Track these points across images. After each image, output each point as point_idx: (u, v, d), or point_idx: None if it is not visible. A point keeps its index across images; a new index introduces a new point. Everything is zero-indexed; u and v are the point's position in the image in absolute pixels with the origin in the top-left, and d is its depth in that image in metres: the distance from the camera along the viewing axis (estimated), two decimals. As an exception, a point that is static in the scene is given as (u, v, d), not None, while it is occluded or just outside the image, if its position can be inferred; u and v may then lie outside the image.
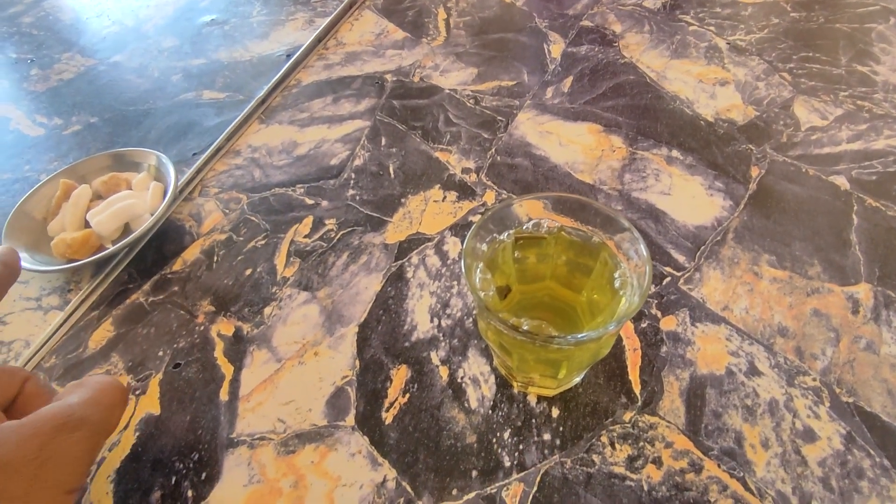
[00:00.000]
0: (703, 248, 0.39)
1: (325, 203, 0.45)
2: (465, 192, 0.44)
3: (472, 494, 0.28)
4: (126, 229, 0.43)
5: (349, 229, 0.42)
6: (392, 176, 0.46)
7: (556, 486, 0.28)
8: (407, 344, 0.35)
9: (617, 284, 0.28)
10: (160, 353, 0.36)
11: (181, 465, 0.30)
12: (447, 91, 0.55)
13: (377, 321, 0.36)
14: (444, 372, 0.33)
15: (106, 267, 0.42)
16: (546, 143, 0.48)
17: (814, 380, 0.32)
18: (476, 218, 0.42)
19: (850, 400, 0.31)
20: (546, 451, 0.29)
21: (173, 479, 0.30)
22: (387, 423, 0.31)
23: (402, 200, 0.44)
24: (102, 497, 0.29)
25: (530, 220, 0.31)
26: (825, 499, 0.27)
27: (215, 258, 0.42)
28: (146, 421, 0.32)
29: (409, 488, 0.28)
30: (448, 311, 0.36)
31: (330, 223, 0.43)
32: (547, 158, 0.46)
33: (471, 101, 0.53)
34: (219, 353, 0.36)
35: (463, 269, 0.26)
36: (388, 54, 0.61)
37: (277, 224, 0.43)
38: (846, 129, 0.47)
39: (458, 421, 0.31)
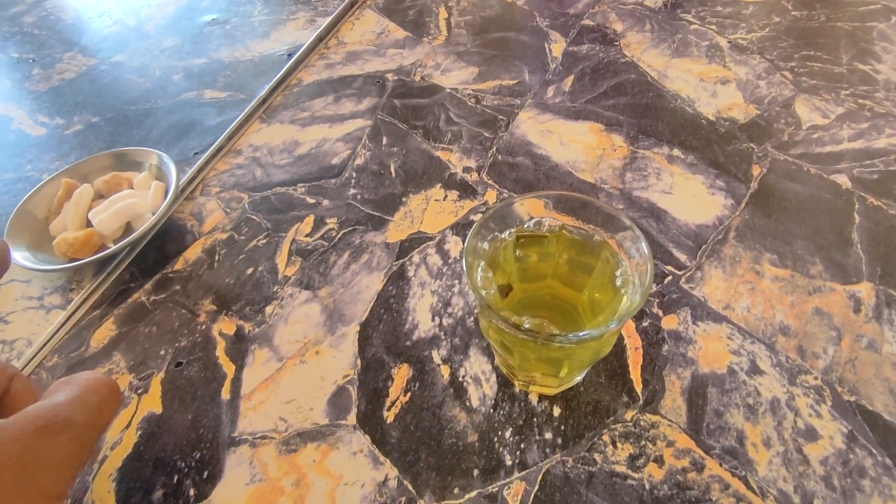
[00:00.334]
0: (704, 246, 0.39)
1: (326, 202, 0.45)
2: (467, 191, 0.44)
3: (474, 493, 0.28)
4: (128, 228, 0.43)
5: (350, 228, 0.42)
6: (393, 175, 0.46)
7: (558, 485, 0.28)
8: (408, 343, 0.35)
9: (618, 283, 0.28)
10: (162, 352, 0.36)
11: (183, 464, 0.30)
12: (448, 90, 0.55)
13: (378, 320, 0.36)
14: (445, 371, 0.33)
15: (108, 266, 0.42)
16: (547, 142, 0.48)
17: (815, 379, 0.32)
18: (477, 217, 0.42)
19: (852, 399, 0.31)
20: (547, 450, 0.29)
21: (175, 477, 0.30)
22: (388, 421, 0.31)
23: (404, 199, 0.44)
24: (104, 496, 0.29)
25: (531, 218, 0.31)
26: (827, 498, 0.27)
27: (217, 257, 0.42)
28: (148, 420, 0.32)
29: (410, 487, 0.28)
30: (449, 310, 0.36)
31: (331, 222, 0.43)
32: (548, 157, 0.46)
33: (472, 100, 0.53)
34: (220, 351, 0.36)
35: (464, 268, 0.26)
36: (389, 53, 0.61)
37: (279, 223, 0.43)
38: (847, 127, 0.47)
39: (459, 420, 0.31)
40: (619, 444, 0.29)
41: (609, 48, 0.58)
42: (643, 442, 0.29)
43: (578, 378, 0.32)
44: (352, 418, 0.31)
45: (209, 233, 0.44)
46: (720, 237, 0.39)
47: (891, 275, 0.36)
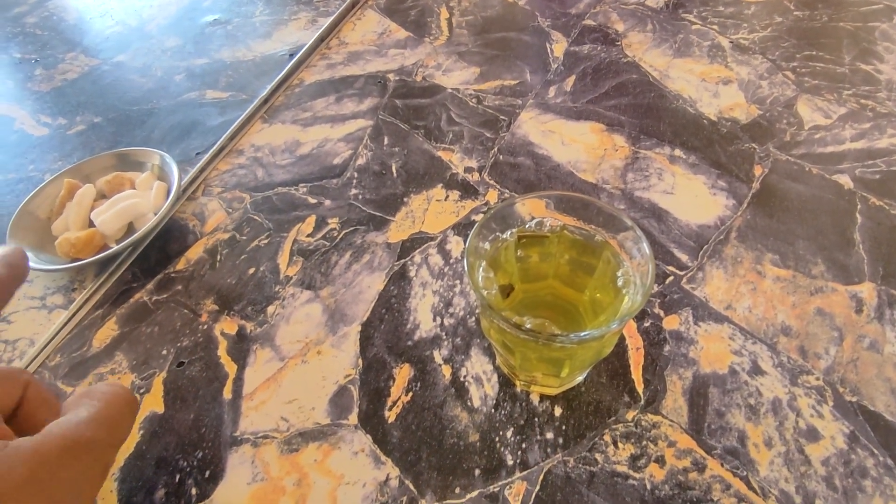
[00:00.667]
0: (706, 247, 0.39)
1: (327, 202, 0.45)
2: (468, 191, 0.44)
3: (475, 493, 0.28)
4: (130, 228, 0.44)
5: (352, 228, 0.42)
6: (395, 175, 0.46)
7: (559, 485, 0.28)
8: (410, 343, 0.35)
9: (620, 283, 0.28)
10: (164, 352, 0.36)
11: (185, 464, 0.30)
12: (449, 90, 0.55)
13: (380, 320, 0.36)
14: (446, 371, 0.33)
15: (110, 266, 0.42)
16: (548, 143, 0.48)
17: (817, 379, 0.32)
18: (478, 217, 0.42)
19: (854, 399, 0.31)
20: (549, 450, 0.29)
21: (177, 477, 0.30)
22: (389, 421, 0.31)
23: (405, 200, 0.44)
24: (107, 495, 0.29)
25: (533, 218, 0.31)
26: (829, 498, 0.27)
27: (219, 257, 0.42)
28: (150, 419, 0.33)
29: (412, 486, 0.28)
30: (451, 310, 0.36)
31: (333, 222, 0.43)
32: (549, 158, 0.46)
33: (473, 100, 0.53)
34: (222, 351, 0.36)
35: (466, 268, 0.26)
36: (390, 54, 0.61)
37: (280, 223, 0.44)
38: (850, 127, 0.47)
39: (460, 420, 0.31)
40: (620, 444, 0.29)
41: (610, 48, 0.58)
42: (644, 442, 0.29)
43: (580, 378, 0.32)
44: (353, 418, 0.31)
45: (211, 233, 0.44)
46: (722, 237, 0.39)
47: (893, 275, 0.36)
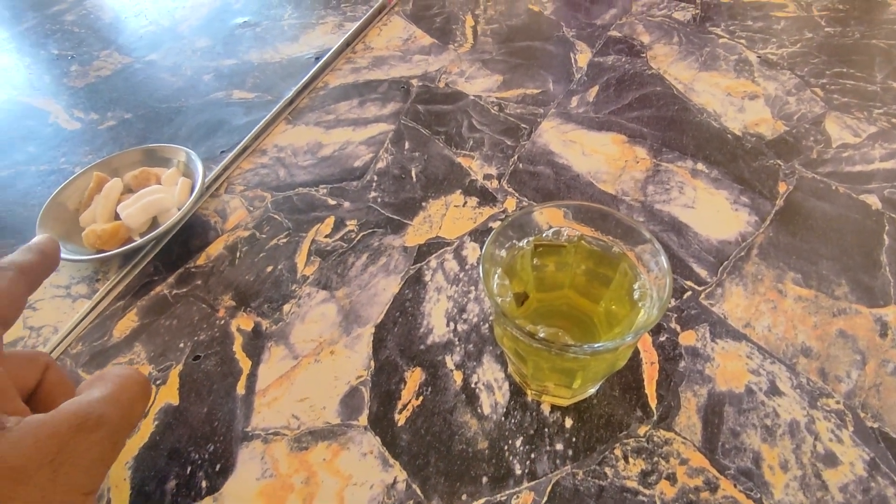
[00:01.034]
0: (726, 263, 0.38)
1: (347, 204, 0.45)
2: (486, 198, 0.44)
3: (482, 501, 0.28)
4: (154, 223, 0.45)
5: (370, 231, 0.43)
6: (414, 180, 0.47)
7: (567, 498, 0.28)
8: (422, 347, 0.35)
9: (636, 296, 0.28)
10: (181, 345, 0.37)
11: (197, 456, 0.31)
12: (472, 97, 0.55)
13: (394, 323, 0.36)
14: (458, 376, 0.33)
15: (133, 258, 0.43)
16: (569, 152, 0.48)
17: (837, 402, 0.31)
18: (496, 224, 0.42)
19: (876, 425, 0.30)
20: (558, 462, 0.29)
21: (188, 469, 0.30)
22: (399, 424, 0.31)
23: (423, 204, 0.44)
24: (120, 483, 0.30)
25: (550, 228, 0.31)
26: (845, 526, 0.27)
27: (238, 254, 0.42)
28: (165, 410, 0.33)
29: (419, 491, 0.28)
30: (464, 316, 0.36)
31: (351, 224, 0.43)
32: (569, 167, 0.46)
33: (495, 107, 0.53)
34: (238, 347, 0.36)
35: (481, 274, 0.26)
36: (414, 59, 0.62)
37: (300, 223, 0.44)
38: (879, 147, 0.46)
39: (470, 426, 0.31)
40: (631, 459, 0.29)
41: (635, 60, 0.57)
42: (656, 458, 0.29)
43: (592, 390, 0.31)
44: (363, 419, 0.31)
45: (232, 230, 0.44)
46: (742, 254, 0.39)
47: (920, 299, 0.35)
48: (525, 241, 0.30)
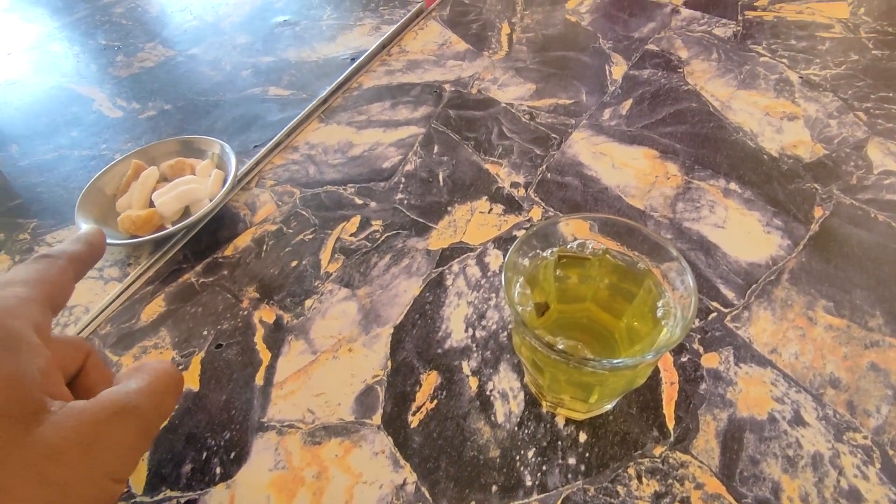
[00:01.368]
0: (754, 286, 0.37)
1: (373, 204, 0.46)
2: (512, 206, 0.44)
3: (490, 509, 0.28)
4: (186, 212, 0.46)
5: (394, 232, 0.43)
6: (441, 184, 0.47)
7: (577, 513, 0.27)
8: (440, 350, 0.35)
9: (659, 314, 0.28)
10: (204, 333, 0.38)
11: (213, 443, 0.31)
12: (503, 105, 0.55)
13: (412, 325, 0.36)
14: (473, 383, 0.33)
15: (164, 245, 0.44)
16: (599, 165, 0.47)
17: (865, 438, 0.30)
18: (520, 233, 0.42)
19: (905, 464, 0.29)
20: (569, 476, 0.29)
21: (204, 454, 0.31)
22: (412, 426, 0.31)
23: (449, 209, 0.45)
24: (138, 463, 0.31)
25: (576, 240, 0.30)
26: (867, 567, 0.26)
27: (264, 247, 0.43)
28: (185, 396, 0.34)
29: (427, 494, 0.28)
30: (483, 323, 0.36)
31: (376, 224, 0.44)
32: (598, 180, 0.46)
33: (526, 116, 0.53)
34: (259, 338, 0.37)
35: (503, 282, 0.26)
36: (448, 65, 0.62)
37: (326, 220, 0.45)
38: (924, 176, 0.44)
39: (483, 433, 0.31)
40: (644, 480, 0.28)
41: (671, 75, 0.57)
42: (670, 481, 0.28)
43: (608, 406, 0.31)
44: (377, 418, 0.32)
45: (260, 223, 0.45)
46: (772, 278, 0.38)
47: (960, 337, 0.34)
48: (549, 251, 0.30)
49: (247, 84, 0.63)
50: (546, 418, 0.31)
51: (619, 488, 0.28)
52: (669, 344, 0.25)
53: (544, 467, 0.29)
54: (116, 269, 0.43)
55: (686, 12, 0.66)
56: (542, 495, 0.28)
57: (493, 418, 0.31)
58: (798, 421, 0.30)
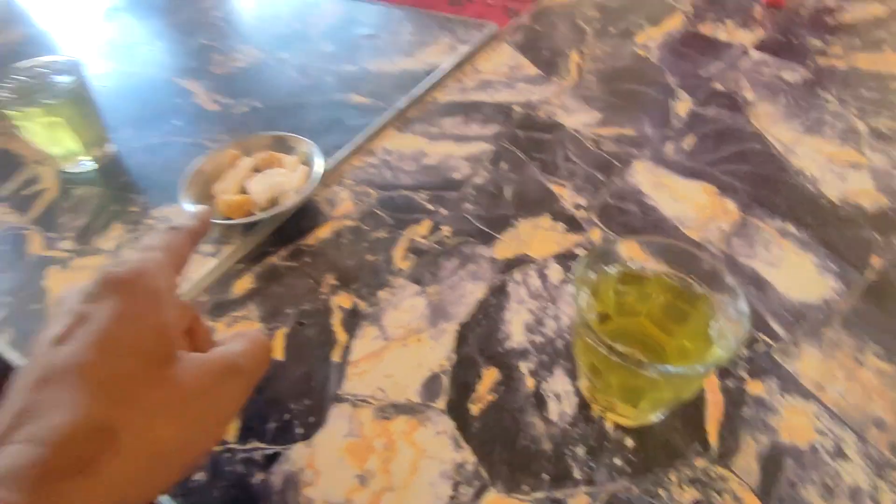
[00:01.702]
0: (804, 323, 0.39)
1: (443, 211, 0.49)
2: (573, 225, 0.47)
3: (542, 495, 0.30)
4: (274, 201, 0.51)
5: (462, 238, 0.47)
6: (507, 198, 0.50)
7: (620, 510, 0.30)
8: (500, 350, 0.38)
9: (711, 335, 0.30)
10: (288, 311, 0.42)
11: (293, 406, 0.35)
12: (570, 130, 0.58)
13: (477, 324, 0.40)
14: (530, 382, 0.36)
15: (253, 229, 0.49)
16: (658, 195, 0.50)
17: (904, 478, 0.31)
18: (580, 251, 0.45)
19: (942, 507, 0.30)
20: (615, 475, 0.31)
21: (286, 416, 0.35)
22: (472, 413, 0.34)
23: (514, 222, 0.48)
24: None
25: (636, 261, 0.33)
26: None
27: (343, 240, 0.47)
28: (271, 364, 0.38)
29: (484, 474, 0.31)
30: (541, 329, 0.39)
31: (446, 230, 0.48)
32: (657, 209, 0.48)
33: (591, 142, 0.56)
34: (336, 321, 0.41)
35: (572, 290, 0.29)
36: (519, 87, 0.66)
37: (400, 221, 0.49)
38: None
39: (536, 427, 0.33)
40: (684, 487, 0.31)
41: (736, 115, 0.59)
42: (710, 491, 0.30)
43: (655, 417, 0.33)
44: (441, 403, 0.35)
45: (339, 218, 0.50)
46: (823, 318, 0.39)
47: None
48: (612, 268, 0.33)
49: (330, 89, 0.68)
50: (596, 422, 0.34)
51: (661, 491, 0.30)
52: (720, 361, 0.27)
53: (592, 464, 0.32)
54: (212, 246, 0.48)
55: (756, 55, 0.68)
56: (589, 488, 0.31)
57: (546, 415, 0.34)
58: (839, 454, 0.32)
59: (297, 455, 0.33)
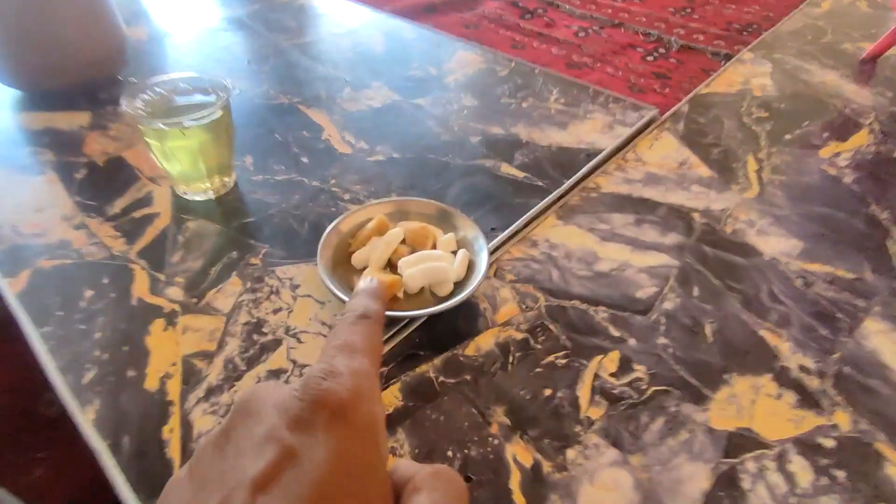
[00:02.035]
0: None
1: (632, 341, 0.40)
2: (807, 399, 0.37)
3: None
4: (426, 289, 0.42)
5: (663, 388, 0.37)
6: (709, 339, 0.41)
7: None
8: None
9: None
10: (449, 453, 0.33)
11: None
12: (768, 258, 0.49)
13: (712, 536, 0.30)
14: None
15: (399, 322, 0.40)
16: (904, 372, 0.39)
17: None
18: (827, 441, 0.34)
19: None
20: None
21: None
22: None
23: (725, 377, 0.38)
24: None
25: None
26: None
27: (511, 359, 0.38)
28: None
29: None
30: (800, 562, 0.29)
31: (639, 370, 0.38)
32: (906, 392, 0.38)
33: (799, 280, 0.47)
34: (515, 484, 0.31)
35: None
36: (693, 189, 0.57)
37: (579, 346, 0.39)
38: None
39: None
40: None
41: (973, 276, 0.49)
42: None
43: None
44: None
45: (503, 325, 0.41)
46: None
47: None
48: None
49: (476, 152, 0.60)
50: None
51: None
52: None
53: None
54: (350, 334, 0.39)
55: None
56: None
57: None
58: None
59: None
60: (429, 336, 0.40)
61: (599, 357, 0.39)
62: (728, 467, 0.33)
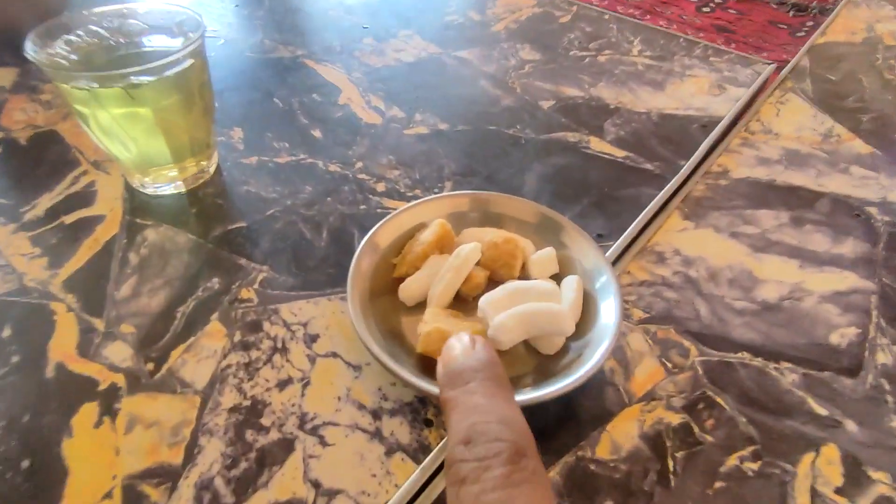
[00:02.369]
0: None
1: (850, 425, 0.25)
2: None
3: None
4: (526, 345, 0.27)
5: (931, 518, 0.22)
6: (968, 419, 0.26)
7: None
8: None
9: None
10: None
11: None
12: None
13: None
14: None
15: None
16: None
17: None
18: None
19: None
20: None
21: None
22: None
23: None
24: None
25: None
26: None
27: (671, 464, 0.24)
28: None
29: None
30: None
31: (876, 476, 0.23)
32: None
33: None
34: None
35: None
36: (854, 172, 0.41)
37: (772, 439, 0.25)
38: None
39: None
40: None
41: None
42: None
43: None
44: None
45: (645, 400, 0.26)
46: None
47: None
48: None
49: (552, 121, 0.44)
50: None
51: None
52: None
53: None
54: (407, 427, 0.24)
55: None
56: None
57: None
58: None
59: None
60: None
61: (810, 456, 0.24)
62: None
